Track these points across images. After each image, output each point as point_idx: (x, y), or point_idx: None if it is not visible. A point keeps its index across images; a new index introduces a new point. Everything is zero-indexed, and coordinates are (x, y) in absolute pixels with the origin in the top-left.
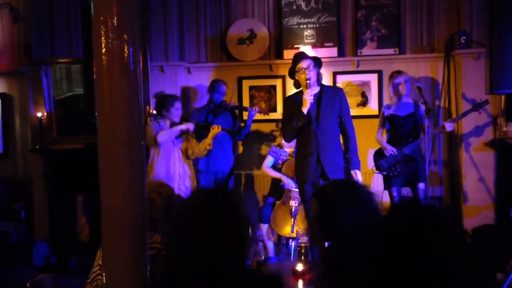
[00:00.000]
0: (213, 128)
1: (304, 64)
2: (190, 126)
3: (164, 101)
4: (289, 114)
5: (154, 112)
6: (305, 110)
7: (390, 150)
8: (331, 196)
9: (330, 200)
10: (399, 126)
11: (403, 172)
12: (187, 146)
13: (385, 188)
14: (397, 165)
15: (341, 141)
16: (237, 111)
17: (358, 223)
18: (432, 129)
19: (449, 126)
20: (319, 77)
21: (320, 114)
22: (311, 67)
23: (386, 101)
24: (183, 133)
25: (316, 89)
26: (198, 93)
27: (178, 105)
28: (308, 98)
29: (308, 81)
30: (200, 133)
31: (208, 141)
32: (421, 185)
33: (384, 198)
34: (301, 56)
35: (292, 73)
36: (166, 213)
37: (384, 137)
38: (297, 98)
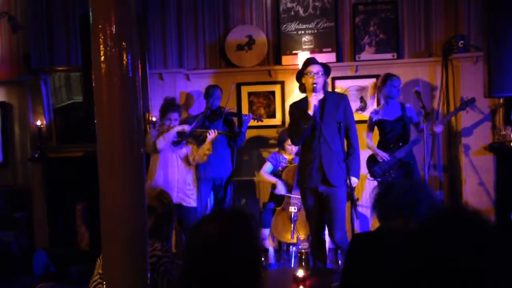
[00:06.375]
0: (209, 133)
1: (314, 68)
2: (185, 127)
3: (161, 109)
4: (296, 119)
5: (154, 119)
6: (311, 112)
7: (382, 156)
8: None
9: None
10: (388, 131)
11: (397, 177)
12: (187, 151)
13: None
14: (391, 171)
15: (342, 146)
16: (234, 118)
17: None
18: (417, 133)
19: (437, 129)
20: (325, 85)
21: (324, 120)
22: (320, 73)
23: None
24: (182, 137)
25: (321, 95)
26: (197, 100)
27: (171, 115)
28: (313, 100)
29: (314, 85)
30: (197, 139)
31: (206, 146)
32: None
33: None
34: (312, 61)
35: (300, 76)
36: (167, 221)
37: (375, 142)
38: (302, 104)
